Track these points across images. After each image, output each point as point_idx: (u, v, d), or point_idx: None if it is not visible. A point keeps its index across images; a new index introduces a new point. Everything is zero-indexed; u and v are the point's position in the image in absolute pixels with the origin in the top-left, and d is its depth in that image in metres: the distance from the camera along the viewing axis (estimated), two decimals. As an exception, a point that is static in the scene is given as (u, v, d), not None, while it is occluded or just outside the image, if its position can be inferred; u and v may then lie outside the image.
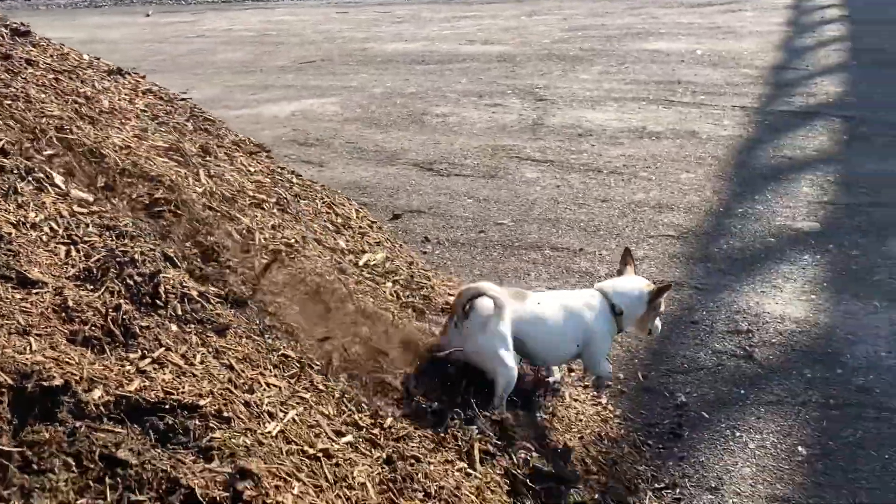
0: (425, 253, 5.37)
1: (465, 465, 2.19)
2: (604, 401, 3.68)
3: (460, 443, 2.26)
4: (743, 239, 5.25)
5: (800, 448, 3.37)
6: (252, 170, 3.30)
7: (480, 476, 2.19)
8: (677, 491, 3.16)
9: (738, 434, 3.48)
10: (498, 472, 2.26)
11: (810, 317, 4.29)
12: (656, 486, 3.16)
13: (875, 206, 5.56)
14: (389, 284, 2.93)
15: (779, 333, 4.15)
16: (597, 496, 2.58)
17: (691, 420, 3.59)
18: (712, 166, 6.55)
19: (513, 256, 5.29)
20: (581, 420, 3.14)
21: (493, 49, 11.63)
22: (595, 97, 8.85)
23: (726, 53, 10.33)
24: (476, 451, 2.26)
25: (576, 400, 3.45)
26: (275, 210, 2.95)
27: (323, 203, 3.41)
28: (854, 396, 3.65)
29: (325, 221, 3.11)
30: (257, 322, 2.23)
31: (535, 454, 2.41)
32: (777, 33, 11.13)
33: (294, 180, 3.52)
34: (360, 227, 3.43)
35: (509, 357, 2.57)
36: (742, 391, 3.77)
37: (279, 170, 3.57)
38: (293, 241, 2.77)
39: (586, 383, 3.71)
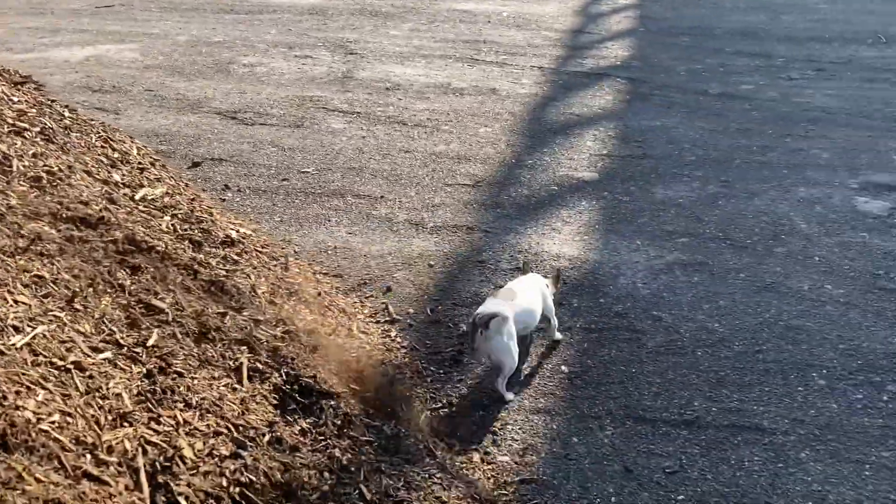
0: (224, 200, 5.36)
1: (233, 381, 2.31)
2: (393, 333, 3.90)
3: (229, 362, 2.37)
4: (530, 187, 5.63)
5: (563, 367, 3.75)
6: (15, 99, 3.18)
7: (247, 391, 2.31)
8: (452, 409, 3.43)
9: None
10: (267, 387, 2.39)
11: (582, 254, 4.71)
12: (433, 405, 3.41)
13: (646, 157, 6.13)
14: (167, 218, 2.96)
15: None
16: (371, 411, 2.78)
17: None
18: (508, 122, 6.92)
19: (315, 203, 5.38)
20: (364, 348, 3.33)
21: (304, 1, 11.48)
22: (404, 53, 9.01)
23: (530, 16, 10.81)
24: (244, 369, 2.38)
25: (363, 332, 3.63)
26: (38, 139, 2.87)
27: (98, 137, 3.34)
28: (612, 321, 4.08)
29: (98, 155, 3.06)
30: (10, 244, 2.20)
31: (306, 373, 2.56)
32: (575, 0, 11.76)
33: (66, 114, 3.41)
34: (141, 163, 3.40)
35: (515, 351, 3.44)
36: (518, 321, 4.09)
37: (49, 102, 3.45)
38: (56, 169, 2.72)
39: (378, 319, 3.93)
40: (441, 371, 3.72)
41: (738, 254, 4.73)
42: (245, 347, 2.47)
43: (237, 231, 3.28)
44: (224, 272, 2.77)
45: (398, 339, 3.90)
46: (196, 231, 2.99)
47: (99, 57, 8.61)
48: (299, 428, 2.35)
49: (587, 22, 10.55)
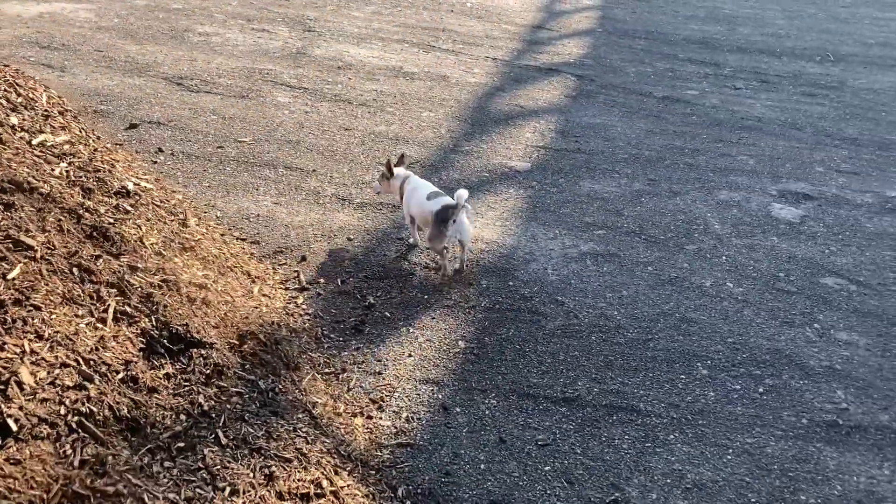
0: (156, 163, 5.39)
1: (95, 321, 2.38)
2: (300, 300, 3.99)
3: (96, 303, 2.44)
4: (462, 172, 5.74)
5: (460, 342, 3.86)
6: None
7: (109, 331, 2.39)
8: (345, 374, 3.53)
9: (411, 330, 3.91)
10: (133, 331, 2.47)
11: (499, 239, 4.83)
12: (326, 370, 3.51)
13: (580, 152, 6.27)
14: (63, 165, 3.01)
15: (470, 251, 4.64)
16: (249, 366, 2.87)
17: (375, 318, 3.98)
18: (453, 108, 7.01)
19: (246, 172, 5.44)
20: (260, 309, 3.41)
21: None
22: (362, 35, 9.07)
23: (493, 8, 10.91)
24: (111, 311, 2.46)
25: (266, 295, 3.71)
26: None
27: (4, 82, 3.37)
28: (516, 303, 4.20)
29: None
30: None
31: (178, 321, 2.64)
32: (541, -4, 11.88)
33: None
34: (48, 111, 3.43)
35: None
36: (426, 296, 4.21)
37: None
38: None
39: (288, 286, 4.02)
40: (341, 339, 3.81)
41: (650, 248, 4.88)
42: (115, 290, 2.54)
43: (136, 184, 3.33)
44: (111, 220, 2.83)
45: (304, 306, 3.98)
46: (90, 179, 3.04)
47: (53, 14, 8.54)
48: (164, 372, 2.44)
49: (548, 18, 10.67)
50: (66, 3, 8.99)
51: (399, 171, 4.65)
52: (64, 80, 6.63)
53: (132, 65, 7.23)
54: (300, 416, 2.82)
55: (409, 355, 3.74)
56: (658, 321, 4.15)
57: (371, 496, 2.77)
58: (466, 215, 4.30)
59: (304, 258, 4.45)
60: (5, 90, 3.20)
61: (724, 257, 4.83)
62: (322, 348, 3.68)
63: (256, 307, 3.37)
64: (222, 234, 4.07)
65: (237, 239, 4.46)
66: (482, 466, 3.11)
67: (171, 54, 7.66)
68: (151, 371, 2.39)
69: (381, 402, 3.39)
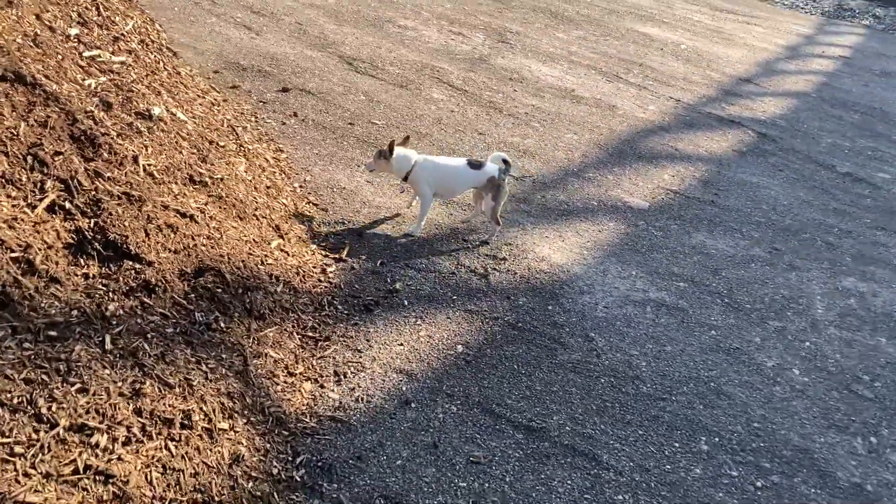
0: (284, 124, 5.75)
1: (26, 206, 2.60)
2: (330, 269, 4.08)
3: (36, 191, 2.66)
4: (570, 195, 5.55)
5: (459, 346, 3.76)
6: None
7: (38, 218, 2.59)
8: (326, 343, 3.57)
9: (418, 323, 3.86)
10: (67, 226, 2.67)
11: (566, 264, 4.62)
12: (310, 333, 3.57)
13: (712, 205, 5.83)
14: (103, 79, 3.31)
15: (528, 268, 4.50)
16: (200, 301, 2.99)
17: (391, 303, 3.98)
18: (601, 136, 6.80)
19: (358, 149, 5.64)
20: (257, 257, 3.54)
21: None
22: (553, 54, 9.05)
23: (706, 54, 10.42)
24: (46, 201, 2.66)
25: (283, 250, 3.84)
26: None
27: (93, 2, 3.73)
28: (542, 327, 4.01)
29: (71, 11, 3.45)
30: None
31: (118, 231, 2.81)
32: (768, 52, 11.15)
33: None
34: (124, 35, 3.77)
35: None
36: (454, 297, 4.14)
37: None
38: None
39: (328, 254, 4.15)
40: (345, 312, 3.84)
41: (726, 313, 4.44)
42: (62, 186, 2.76)
43: (169, 112, 3.56)
44: (111, 133, 3.07)
45: (330, 275, 4.06)
46: (118, 97, 3.31)
47: (278, -13, 9.34)
48: (83, 272, 2.61)
49: (761, 74, 9.99)
50: (296, -19, 9.78)
51: (404, 151, 4.54)
52: (255, 41, 7.24)
53: (319, 40, 7.74)
54: (228, 358, 2.89)
55: (401, 344, 3.69)
56: (686, 385, 3.77)
57: (265, 451, 2.78)
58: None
59: (360, 234, 4.53)
60: (86, 8, 3.59)
61: (807, 343, 4.28)
62: (320, 314, 3.73)
63: (253, 255, 3.49)
64: (282, 193, 4.25)
65: (308, 203, 4.64)
66: (398, 463, 3.00)
67: (360, 38, 8.11)
68: (66, 266, 2.56)
69: (343, 377, 3.38)
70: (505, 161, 4.62)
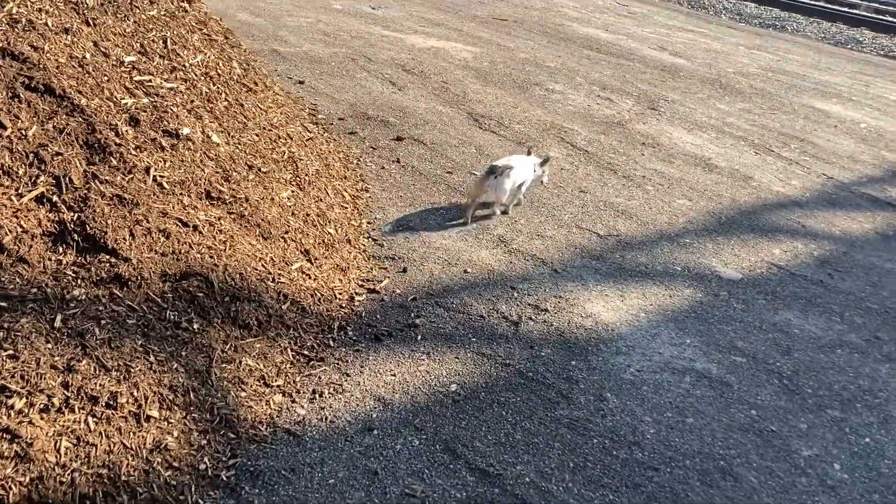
0: (383, 168, 6.05)
1: (14, 194, 2.97)
2: (359, 298, 4.22)
3: (28, 184, 3.03)
4: (653, 258, 5.32)
5: (453, 385, 3.72)
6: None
7: (20, 205, 2.95)
8: (318, 363, 3.68)
9: (423, 359, 3.88)
10: (51, 217, 3.01)
11: (613, 323, 4.44)
12: (304, 352, 3.70)
13: (819, 284, 5.32)
14: (145, 100, 3.69)
15: (568, 322, 4.37)
16: (176, 301, 3.23)
17: (404, 336, 4.03)
18: (717, 205, 6.47)
19: (444, 195, 5.78)
20: (261, 272, 3.75)
21: (670, 59, 11.58)
22: (704, 124, 8.74)
23: (889, 134, 9.56)
24: (34, 192, 3.02)
25: (303, 272, 4.03)
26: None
27: (197, 20, 4.15)
28: (552, 379, 3.87)
29: (135, 42, 3.87)
30: None
31: (99, 226, 3.11)
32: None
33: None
34: (184, 65, 4.17)
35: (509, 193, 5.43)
36: (473, 339, 4.11)
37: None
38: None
39: (372, 278, 4.30)
40: (353, 338, 3.94)
41: (778, 395, 4.03)
42: (52, 181, 3.11)
43: (205, 134, 3.87)
44: (127, 146, 3.41)
45: (356, 303, 4.19)
46: (148, 114, 3.66)
47: (439, 49, 9.88)
48: (57, 258, 2.93)
49: (949, 157, 8.97)
50: (458, 44, 10.29)
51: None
52: (392, 95, 7.72)
53: (457, 98, 8.06)
54: (189, 356, 3.08)
55: (393, 375, 3.72)
56: (690, 458, 3.46)
57: (198, 447, 2.92)
58: (508, 176, 5.22)
59: (405, 270, 4.64)
60: (152, 41, 4.01)
61: (866, 440, 3.77)
62: (325, 336, 3.86)
63: (261, 270, 3.69)
64: (333, 224, 4.47)
65: (368, 237, 4.84)
66: (330, 482, 3.03)
67: (499, 98, 8.34)
68: (45, 252, 2.89)
69: (318, 396, 3.47)
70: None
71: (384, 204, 5.41)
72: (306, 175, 4.55)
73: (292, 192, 4.25)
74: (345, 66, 8.45)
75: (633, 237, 5.58)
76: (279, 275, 3.74)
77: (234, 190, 3.74)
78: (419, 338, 4.03)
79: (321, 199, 4.52)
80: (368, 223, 5.08)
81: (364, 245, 4.75)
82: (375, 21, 10.67)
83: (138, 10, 3.92)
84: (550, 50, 10.85)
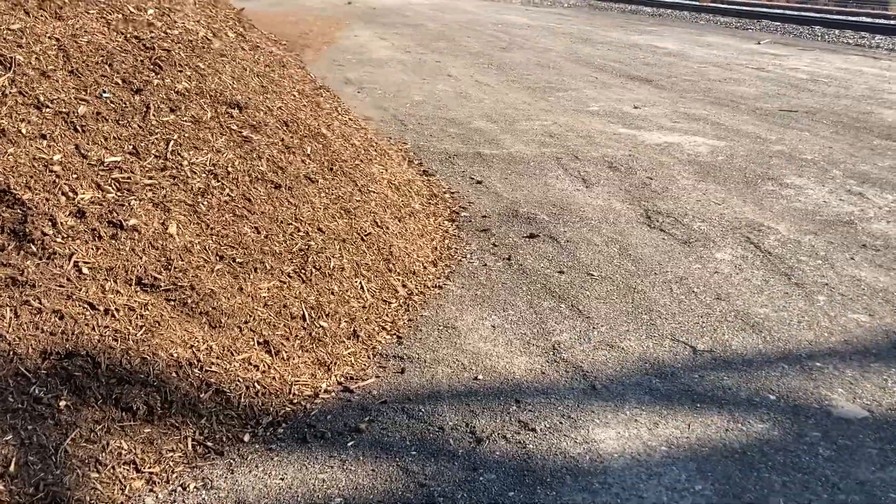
0: (486, 265, 5.79)
1: None
2: (322, 397, 4.06)
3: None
4: (743, 381, 4.25)
5: (338, 499, 3.35)
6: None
7: None
8: (215, 458, 3.59)
9: (332, 467, 3.54)
10: None
11: (611, 455, 3.61)
12: (209, 444, 3.65)
13: None
14: (113, 195, 3.98)
15: (550, 447, 3.68)
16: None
17: (334, 441, 3.74)
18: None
19: (532, 297, 5.31)
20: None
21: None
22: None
23: None
24: None
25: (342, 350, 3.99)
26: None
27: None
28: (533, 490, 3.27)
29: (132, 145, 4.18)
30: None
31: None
32: None
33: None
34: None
35: None
36: (411, 453, 3.66)
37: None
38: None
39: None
40: (273, 435, 3.77)
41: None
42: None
43: (162, 225, 4.00)
44: (62, 237, 3.69)
45: (318, 402, 4.01)
46: (100, 208, 3.90)
47: (670, 144, 9.20)
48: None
49: None
50: (702, 138, 9.46)
51: None
52: (571, 193, 7.37)
53: (647, 194, 7.39)
54: (37, 431, 3.23)
55: (282, 479, 3.47)
56: None
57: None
58: None
59: (403, 371, 4.33)
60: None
61: None
62: (245, 431, 3.74)
63: (182, 356, 3.69)
64: (345, 319, 4.36)
65: (392, 333, 4.63)
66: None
67: (706, 193, 7.47)
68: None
69: (181, 489, 3.37)
70: None
71: (449, 301, 5.10)
72: (324, 268, 4.52)
73: (281, 283, 4.24)
74: (543, 165, 8.25)
75: (742, 355, 4.49)
76: (211, 363, 3.73)
77: (175, 278, 3.86)
78: (350, 444, 3.68)
79: (334, 292, 4.43)
80: (410, 319, 4.83)
81: (377, 341, 4.52)
82: (622, 120, 10.30)
83: (154, 116, 4.34)
84: (826, 141, 9.38)
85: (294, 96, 5.85)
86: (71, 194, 3.80)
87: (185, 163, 4.17)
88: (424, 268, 5.30)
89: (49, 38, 4.27)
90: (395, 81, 12.79)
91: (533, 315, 4.91)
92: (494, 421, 3.83)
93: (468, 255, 5.82)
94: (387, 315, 4.68)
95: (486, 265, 5.68)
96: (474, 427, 3.78)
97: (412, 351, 4.47)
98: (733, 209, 6.94)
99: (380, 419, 3.84)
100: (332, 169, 5.32)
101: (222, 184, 4.23)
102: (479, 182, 7.58)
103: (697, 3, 28.28)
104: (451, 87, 12.45)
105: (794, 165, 8.34)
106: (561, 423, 3.82)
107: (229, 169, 4.33)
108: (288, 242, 4.42)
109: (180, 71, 4.69)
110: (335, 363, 4.17)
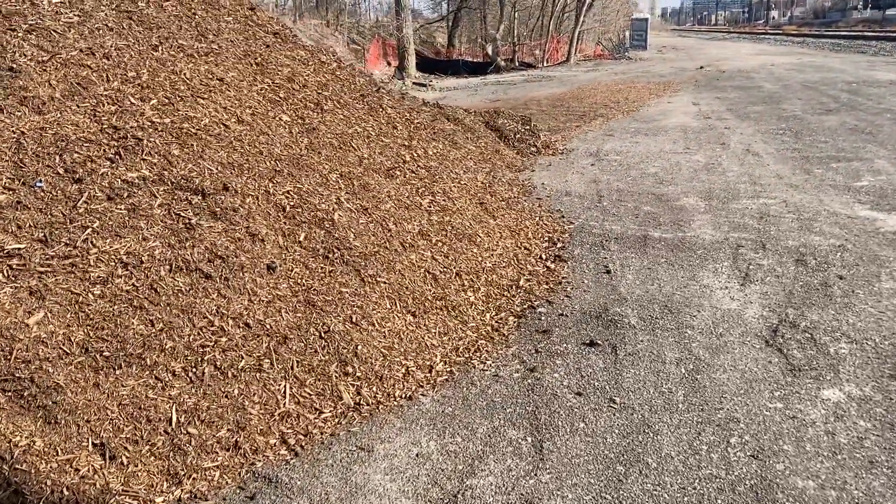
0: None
1: None
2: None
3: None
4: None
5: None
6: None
7: None
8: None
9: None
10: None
11: None
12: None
13: None
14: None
15: None
16: None
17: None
18: None
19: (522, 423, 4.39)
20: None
21: None
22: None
23: None
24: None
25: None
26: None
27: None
28: None
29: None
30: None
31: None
32: None
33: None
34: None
35: None
36: None
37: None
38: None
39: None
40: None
41: None
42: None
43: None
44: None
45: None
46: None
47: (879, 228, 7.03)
48: None
49: None
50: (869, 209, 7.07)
51: None
52: (710, 282, 6.05)
53: (814, 299, 5.72)
54: None
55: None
56: None
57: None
58: None
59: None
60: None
61: None
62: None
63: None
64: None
65: (290, 448, 4.13)
66: None
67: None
68: None
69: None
70: None
71: (404, 419, 4.38)
72: (225, 367, 4.15)
73: (157, 381, 3.98)
74: (711, 255, 6.80)
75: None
76: (24, 461, 3.58)
77: (15, 368, 3.73)
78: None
79: (228, 396, 4.05)
80: (332, 434, 4.24)
81: (264, 456, 4.01)
82: (880, 199, 8.19)
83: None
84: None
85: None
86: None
87: (93, 251, 4.13)
88: (406, 375, 4.59)
89: (13, 131, 4.57)
90: (649, 152, 11.71)
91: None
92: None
93: (487, 363, 4.94)
94: (301, 426, 4.12)
95: (499, 377, 4.76)
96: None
97: (294, 473, 3.86)
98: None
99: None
100: (327, 257, 4.91)
101: (130, 273, 4.11)
102: (606, 272, 6.48)
103: None
104: (709, 157, 11.01)
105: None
106: None
107: (143, 258, 4.20)
108: (188, 338, 4.13)
109: (144, 159, 4.71)
110: (190, 476, 3.75)
